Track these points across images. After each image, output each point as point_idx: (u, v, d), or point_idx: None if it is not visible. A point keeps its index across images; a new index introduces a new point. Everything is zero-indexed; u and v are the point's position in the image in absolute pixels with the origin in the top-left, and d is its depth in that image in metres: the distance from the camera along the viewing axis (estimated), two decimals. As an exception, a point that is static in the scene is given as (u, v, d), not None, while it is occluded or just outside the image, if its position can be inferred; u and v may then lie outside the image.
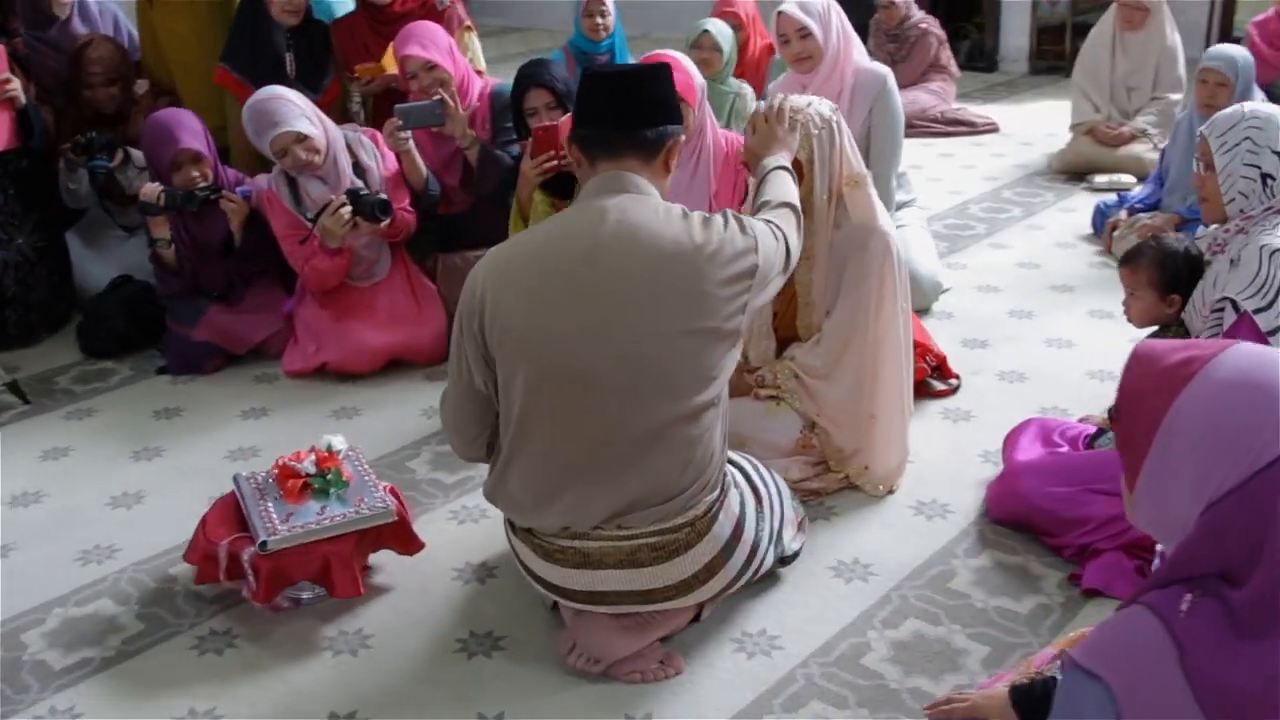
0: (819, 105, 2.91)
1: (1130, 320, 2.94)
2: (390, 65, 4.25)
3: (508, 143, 4.07)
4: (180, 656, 2.48)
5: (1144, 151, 5.47)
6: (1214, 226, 2.78)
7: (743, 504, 2.34)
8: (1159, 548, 2.15)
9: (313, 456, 2.65)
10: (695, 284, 2.14)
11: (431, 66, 3.92)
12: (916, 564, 2.69)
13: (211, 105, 4.29)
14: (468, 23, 4.51)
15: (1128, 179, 5.37)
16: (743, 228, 2.22)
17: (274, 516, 2.51)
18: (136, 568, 2.81)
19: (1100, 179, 5.41)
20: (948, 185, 5.64)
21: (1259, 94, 4.38)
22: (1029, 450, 2.87)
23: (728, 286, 2.17)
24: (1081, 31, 8.24)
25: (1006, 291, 4.27)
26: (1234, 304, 2.57)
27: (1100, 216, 4.76)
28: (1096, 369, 3.63)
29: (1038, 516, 2.72)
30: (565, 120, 3.81)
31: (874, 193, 2.96)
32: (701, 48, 5.07)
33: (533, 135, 3.77)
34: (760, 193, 2.54)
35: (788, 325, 3.08)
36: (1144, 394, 1.48)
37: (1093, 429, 2.92)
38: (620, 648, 2.32)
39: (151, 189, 3.67)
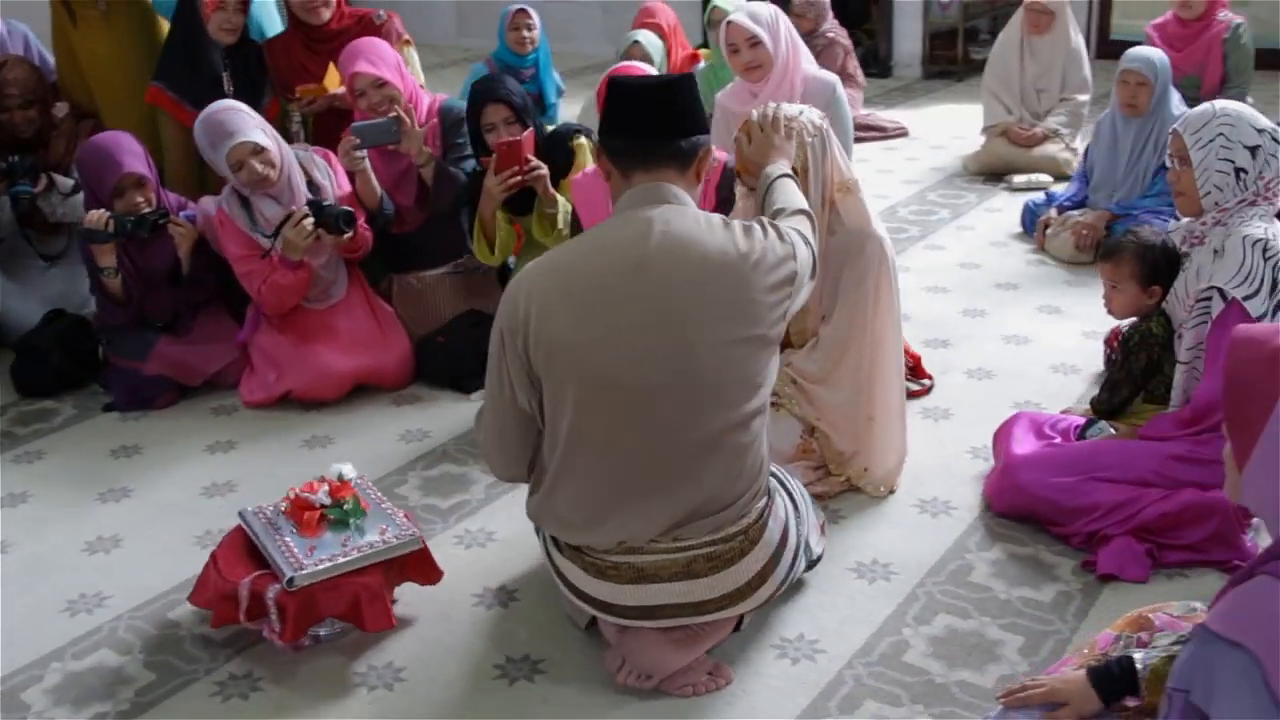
0: (810, 113, 2.95)
1: (1111, 312, 3.04)
2: (332, 84, 4.15)
3: (460, 159, 4.01)
4: (203, 704, 2.37)
5: (1057, 151, 5.67)
6: (1187, 220, 2.90)
7: (785, 509, 2.35)
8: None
9: (326, 487, 2.56)
10: (743, 293, 2.15)
11: (381, 84, 3.84)
12: (933, 561, 2.74)
13: (139, 127, 4.10)
14: (406, 36, 4.43)
15: (1044, 178, 5.56)
16: (780, 235, 2.23)
17: (296, 551, 2.41)
18: (132, 615, 2.67)
19: (1018, 179, 5.59)
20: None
21: (1174, 93, 4.59)
22: (1024, 444, 2.94)
23: (772, 294, 2.18)
24: (972, 36, 8.58)
25: (955, 292, 4.38)
26: (1221, 292, 2.68)
27: (1030, 215, 4.92)
28: (1057, 363, 3.75)
29: (1042, 507, 2.79)
30: (528, 135, 3.78)
31: (865, 198, 3.01)
32: (632, 58, 5.08)
33: (496, 151, 3.72)
34: (771, 201, 2.56)
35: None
36: (1254, 377, 1.53)
37: (1082, 420, 3.00)
38: (672, 662, 2.30)
39: (97, 215, 3.50)
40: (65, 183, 4.10)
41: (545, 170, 3.80)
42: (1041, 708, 1.96)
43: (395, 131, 3.77)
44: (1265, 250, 2.67)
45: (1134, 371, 2.94)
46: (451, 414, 3.59)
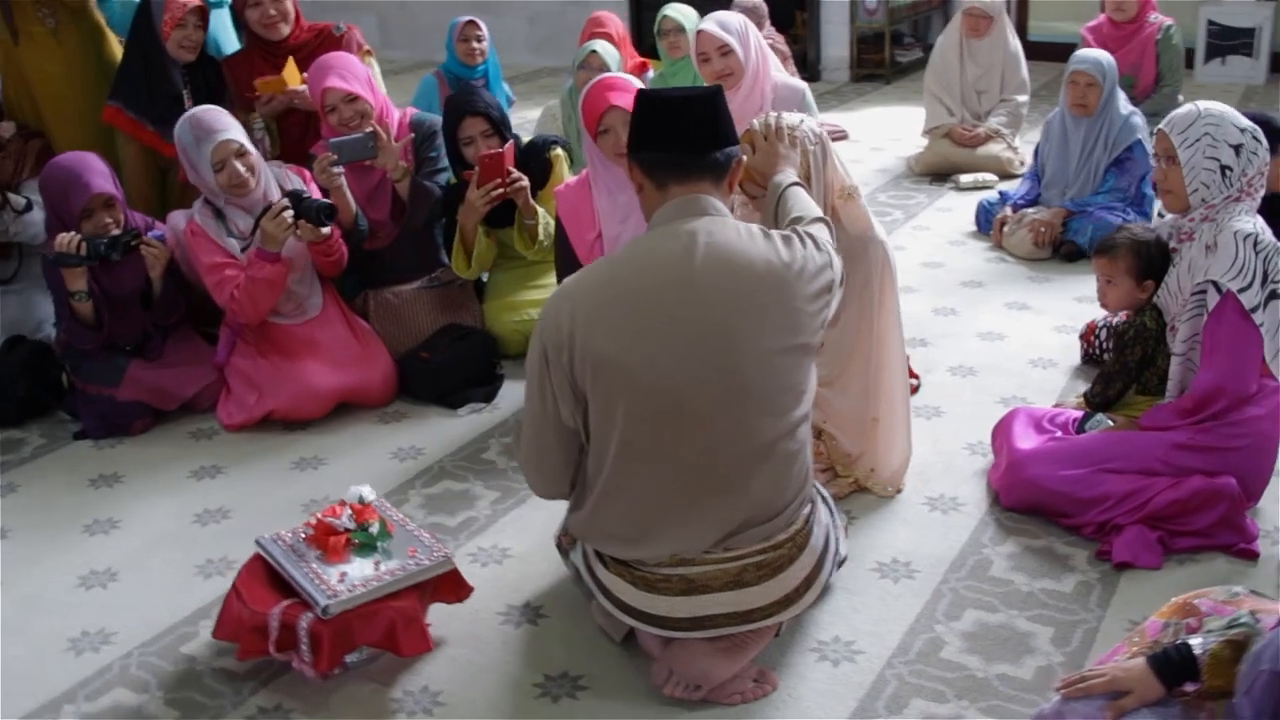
0: (809, 122, 2.96)
1: (1105, 306, 3.12)
2: (292, 80, 4.04)
3: (434, 173, 3.97)
4: (236, 739, 2.30)
5: (1000, 151, 5.80)
6: (1172, 216, 2.98)
7: (826, 513, 2.36)
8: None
9: (348, 511, 2.50)
10: (788, 302, 2.16)
11: (353, 99, 3.77)
12: (951, 557, 2.78)
13: (92, 146, 3.96)
14: (367, 48, 4.36)
15: (990, 177, 5.68)
16: (817, 244, 2.25)
17: (326, 578, 2.35)
18: (143, 650, 2.58)
19: (965, 179, 5.70)
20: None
21: (1120, 93, 4.72)
22: (1027, 439, 3.00)
23: (813, 302, 2.19)
24: (898, 40, 8.72)
25: (923, 291, 4.44)
26: (1216, 285, 2.76)
27: (985, 214, 5.02)
28: (1035, 357, 3.83)
29: (1053, 500, 2.85)
30: (509, 147, 3.75)
31: (864, 203, 3.04)
32: (590, 68, 5.06)
33: (479, 163, 3.70)
34: (786, 210, 2.57)
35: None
36: None
37: (1079, 414, 3.07)
38: (721, 671, 2.29)
39: (67, 238, 3.37)
40: (18, 201, 3.95)
41: (526, 182, 3.79)
42: (1104, 696, 2.00)
43: (372, 147, 3.71)
44: (1256, 244, 2.75)
45: (1129, 365, 3.02)
46: (442, 430, 3.54)
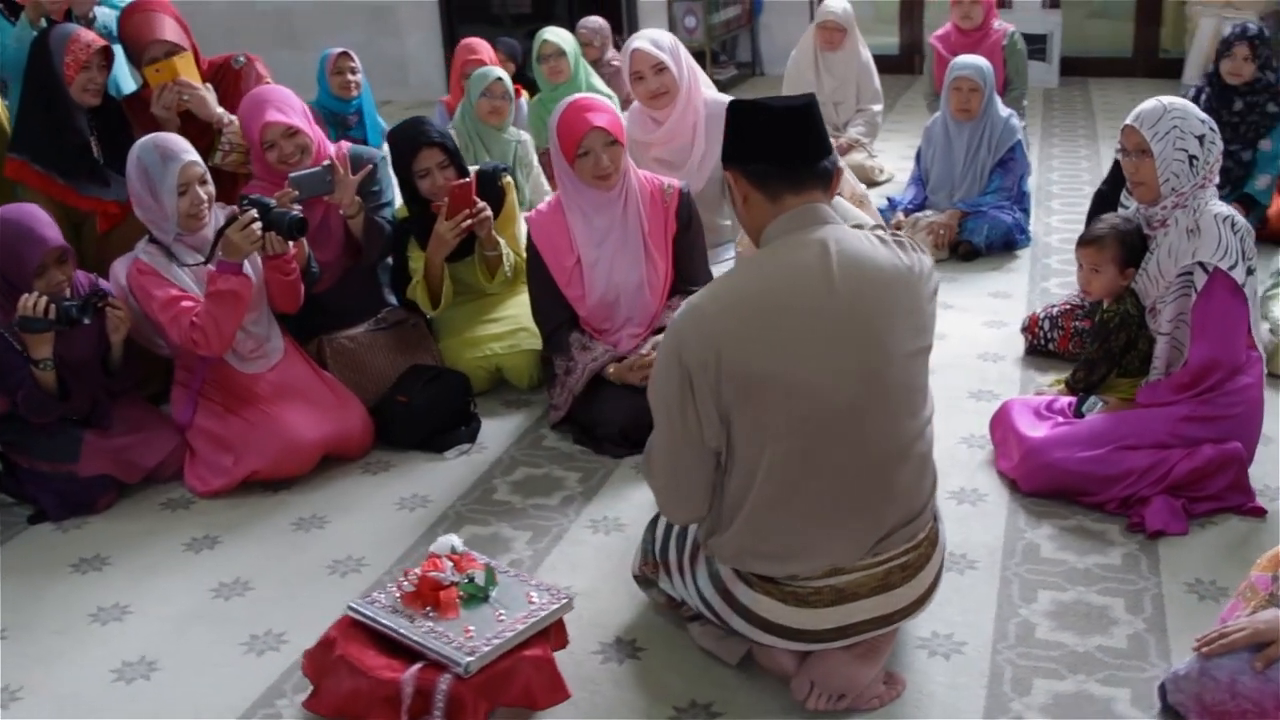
0: None
1: (1089, 295, 3.34)
2: (183, 70, 3.76)
3: (377, 208, 3.83)
4: (382, 817, 2.17)
5: (863, 159, 6.09)
6: (1141, 206, 3.23)
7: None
8: None
9: (449, 562, 2.40)
10: (916, 304, 2.23)
11: (293, 132, 3.60)
12: (1000, 545, 2.92)
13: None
14: (268, 80, 4.15)
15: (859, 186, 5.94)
16: (915, 247, 2.32)
17: (452, 635, 2.25)
18: (229, 740, 2.40)
19: (836, 187, 5.93)
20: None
21: (998, 97, 5.06)
22: (1034, 428, 3.18)
23: (931, 303, 2.28)
24: (716, 58, 8.97)
25: (849, 295, 4.61)
26: (1203, 266, 3.01)
27: (876, 220, 5.25)
28: (981, 353, 4.06)
29: (1077, 481, 3.03)
30: (473, 177, 3.68)
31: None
32: (547, 57, 5.10)
33: (449, 194, 3.61)
34: (841, 219, 2.63)
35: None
36: None
37: (1071, 399, 3.28)
38: (863, 677, 2.34)
39: (32, 300, 3.07)
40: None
41: (490, 212, 3.72)
42: (1247, 650, 2.16)
43: (329, 181, 3.56)
44: (1233, 225, 3.03)
45: (1113, 350, 3.24)
46: (436, 476, 3.43)
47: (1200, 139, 3.07)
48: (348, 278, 3.84)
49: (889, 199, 5.40)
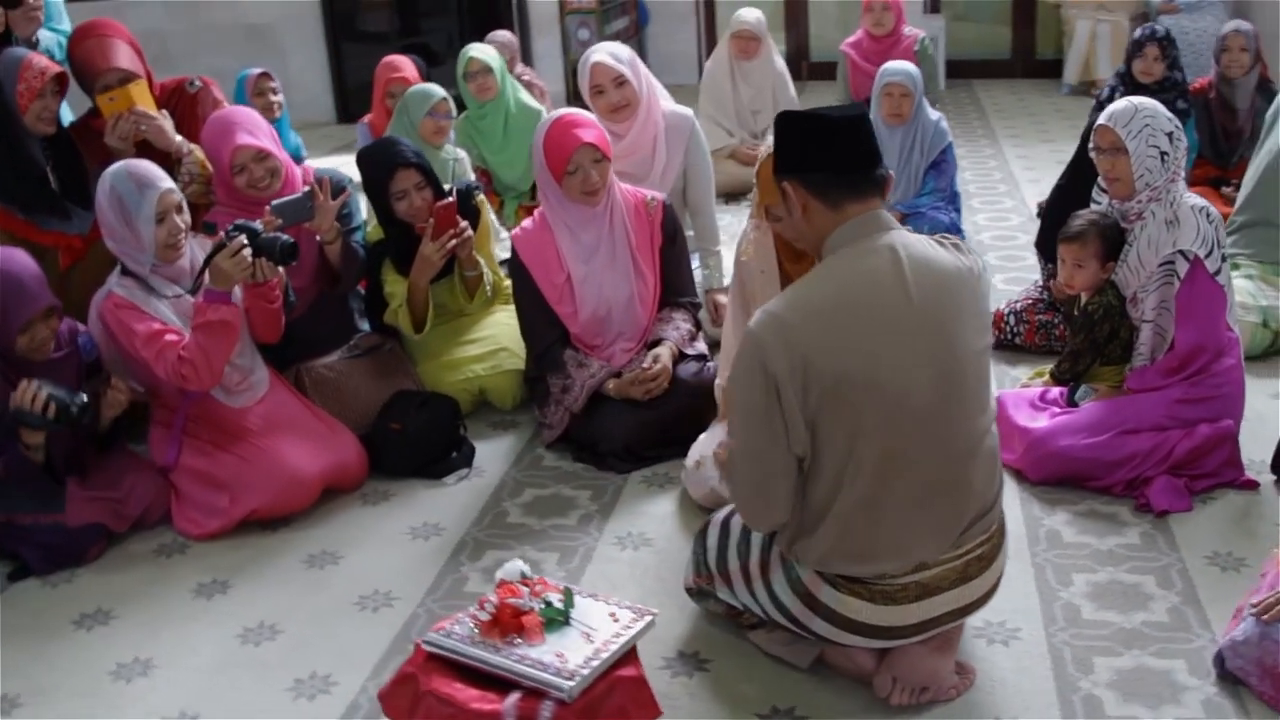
0: None
1: (1072, 289, 3.46)
2: (139, 98, 3.59)
3: (348, 232, 3.73)
4: None
5: (784, 165, 6.18)
6: (1115, 202, 3.38)
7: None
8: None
9: (524, 588, 2.36)
10: (979, 304, 2.30)
11: (263, 156, 3.48)
12: (1021, 533, 3.00)
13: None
14: (224, 103, 4.01)
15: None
16: (968, 249, 2.39)
17: (547, 661, 2.21)
18: (302, 789, 2.30)
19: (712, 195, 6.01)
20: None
21: (926, 101, 5.21)
22: (1033, 419, 3.29)
23: (987, 302, 2.35)
24: (610, 70, 9.00)
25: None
26: (1184, 254, 3.17)
27: (813, 223, 5.34)
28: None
29: (1084, 467, 3.15)
30: (455, 197, 3.63)
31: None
32: (474, 74, 5.04)
33: (435, 215, 3.55)
34: None
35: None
36: None
37: (1063, 389, 3.41)
38: (942, 669, 2.39)
39: (30, 392, 2.89)
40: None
41: (471, 232, 3.67)
42: (1307, 612, 2.29)
43: (310, 207, 3.45)
44: (1208, 215, 3.20)
45: (1098, 340, 3.38)
46: (441, 503, 3.35)
47: (1169, 135, 3.23)
48: (319, 305, 3.73)
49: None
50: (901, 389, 2.17)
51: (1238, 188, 4.49)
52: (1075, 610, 2.68)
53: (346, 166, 4.34)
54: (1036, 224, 5.51)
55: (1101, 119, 3.33)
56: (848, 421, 2.17)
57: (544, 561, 3.02)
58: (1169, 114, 3.28)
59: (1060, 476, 3.19)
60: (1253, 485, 3.14)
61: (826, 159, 2.26)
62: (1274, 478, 3.17)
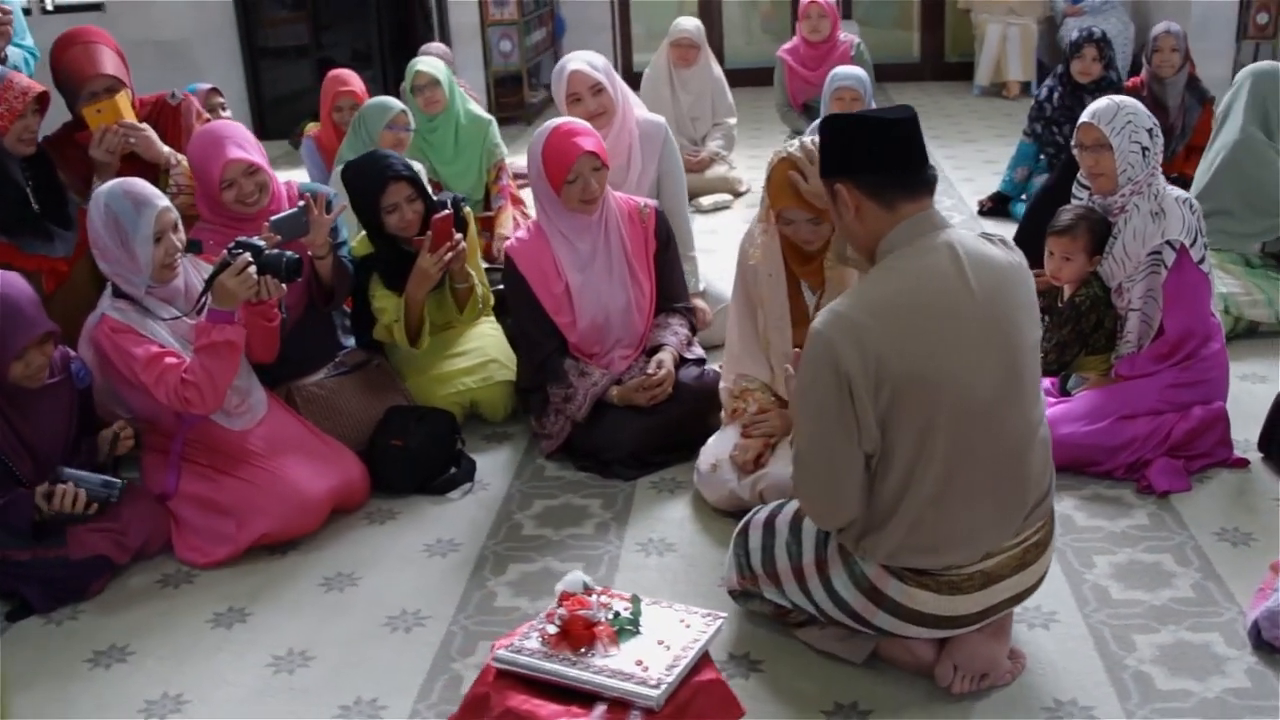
0: (805, 140, 3.10)
1: (1061, 282, 3.57)
2: (126, 112, 3.49)
3: (335, 247, 3.65)
4: None
5: (725, 171, 6.26)
6: (1097, 196, 3.49)
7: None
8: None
9: (593, 599, 2.34)
10: (1030, 298, 2.36)
11: (253, 170, 3.39)
12: (1036, 519, 3.08)
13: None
14: (207, 116, 3.89)
15: (726, 197, 6.13)
16: (1012, 245, 2.45)
17: (629, 672, 2.20)
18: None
19: (706, 200, 6.09)
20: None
21: (874, 105, 5.32)
22: (1030, 406, 3.39)
23: (1035, 294, 2.41)
24: (532, 81, 8.97)
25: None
26: (1170, 244, 3.30)
27: (767, 227, 5.41)
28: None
29: (1086, 453, 3.26)
30: (450, 209, 3.59)
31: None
32: (422, 88, 4.96)
33: (433, 228, 3.50)
34: None
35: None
36: None
37: (1053, 379, 3.51)
38: (1000, 655, 2.45)
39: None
40: None
41: (465, 244, 3.63)
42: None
43: (305, 222, 3.37)
44: (1191, 206, 3.34)
45: (1084, 331, 3.48)
46: (449, 517, 3.30)
47: (1149, 132, 3.37)
48: (306, 322, 3.64)
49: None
50: (969, 383, 2.22)
51: (1172, 181, 4.69)
52: (1104, 591, 2.77)
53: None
54: (980, 222, 5.70)
55: (1085, 117, 3.45)
56: (919, 418, 2.21)
57: (569, 572, 2.98)
58: (1148, 112, 3.41)
59: (1063, 463, 3.25)
60: (1243, 463, 3.28)
61: (881, 160, 2.29)
62: (1261, 455, 3.32)
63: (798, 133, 6.05)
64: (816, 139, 3.03)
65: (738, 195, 6.20)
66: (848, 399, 2.20)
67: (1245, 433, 3.39)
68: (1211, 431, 3.26)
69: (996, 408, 2.26)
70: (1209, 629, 2.61)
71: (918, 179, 2.31)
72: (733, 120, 6.43)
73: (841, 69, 5.27)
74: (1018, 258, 2.36)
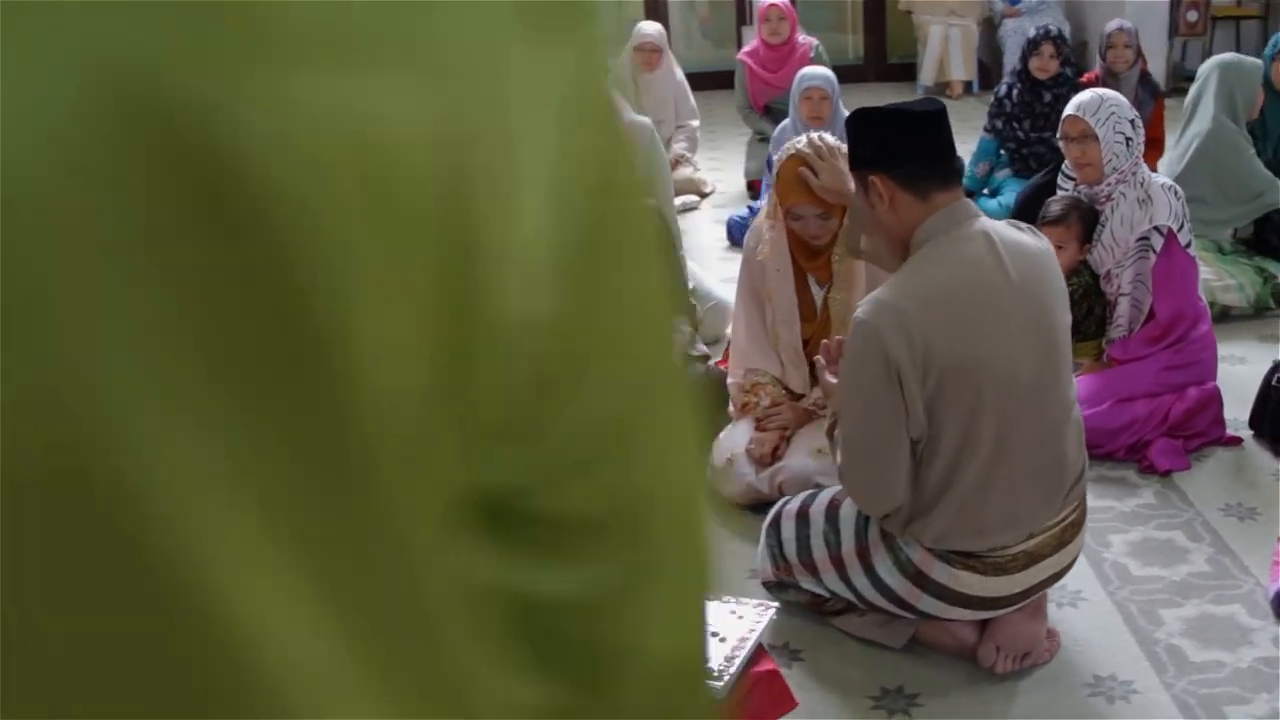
0: (829, 138, 3.16)
1: (1053, 271, 3.65)
2: None
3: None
4: None
5: (690, 173, 6.30)
6: (1083, 186, 3.59)
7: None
8: None
9: (642, 594, 2.35)
10: (1060, 283, 2.43)
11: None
12: (1046, 501, 3.15)
13: None
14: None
15: (694, 198, 6.17)
16: (1038, 232, 2.51)
17: (688, 662, 2.21)
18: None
19: (674, 201, 6.11)
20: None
21: (843, 106, 5.39)
22: (1029, 392, 3.46)
23: (1063, 279, 2.48)
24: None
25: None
26: (1158, 229, 3.40)
27: (739, 228, 5.44)
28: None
29: (1088, 435, 3.27)
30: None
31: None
32: None
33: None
34: None
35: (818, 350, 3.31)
36: None
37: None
38: (1040, 633, 2.51)
39: None
40: None
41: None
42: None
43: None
44: (1176, 192, 3.45)
45: (1077, 319, 3.56)
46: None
47: (1131, 123, 3.47)
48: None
49: (749, 208, 5.62)
50: (1012, 368, 2.27)
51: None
52: (1123, 568, 2.84)
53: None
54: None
55: (1070, 109, 3.55)
56: (965, 403, 2.26)
57: (596, 572, 3.00)
58: (1128, 103, 3.52)
59: (1066, 447, 3.36)
60: (1237, 441, 3.39)
61: (914, 152, 2.34)
62: (1252, 433, 3.43)
63: (761, 134, 6.14)
64: (824, 136, 3.13)
65: (704, 196, 6.24)
66: (896, 386, 2.24)
67: (1233, 412, 3.50)
68: (1206, 411, 3.36)
69: (1037, 390, 2.31)
70: (1230, 601, 2.69)
71: (950, 169, 2.37)
72: (695, 122, 6.48)
73: (809, 69, 5.33)
74: (1046, 244, 2.43)
